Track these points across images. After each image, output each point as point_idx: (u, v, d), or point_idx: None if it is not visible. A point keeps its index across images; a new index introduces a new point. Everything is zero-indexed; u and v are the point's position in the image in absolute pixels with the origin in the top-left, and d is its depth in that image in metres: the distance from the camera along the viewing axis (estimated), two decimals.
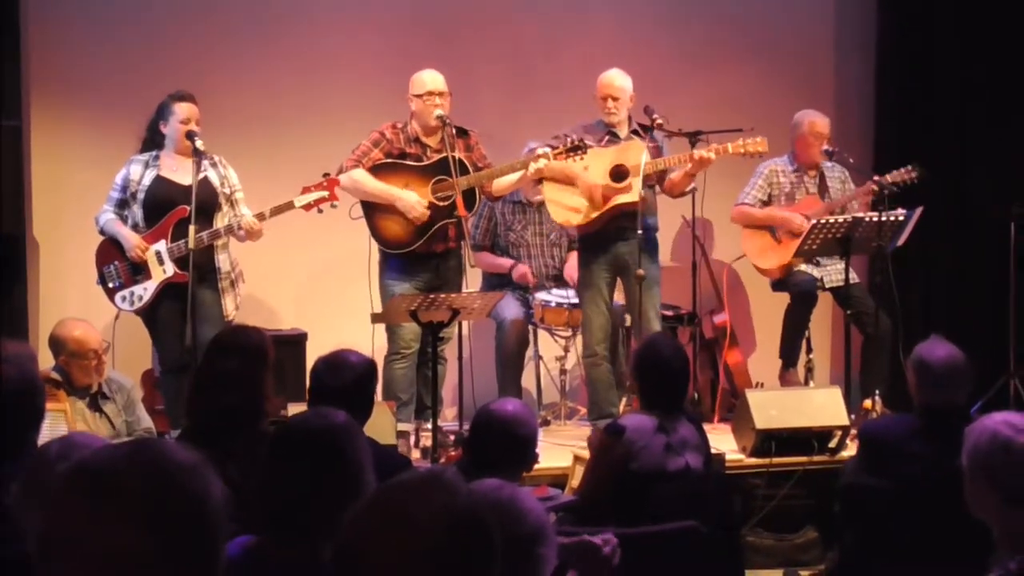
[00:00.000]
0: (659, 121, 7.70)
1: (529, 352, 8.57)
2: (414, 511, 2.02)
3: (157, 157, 7.36)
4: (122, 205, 7.41)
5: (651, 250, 7.86)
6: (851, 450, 6.90)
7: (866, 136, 9.63)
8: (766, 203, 8.57)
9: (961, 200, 9.36)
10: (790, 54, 9.68)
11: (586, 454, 6.26)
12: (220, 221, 7.35)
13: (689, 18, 9.56)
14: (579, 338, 8.42)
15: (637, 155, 7.55)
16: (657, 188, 7.97)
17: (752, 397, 7.36)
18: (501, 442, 4.70)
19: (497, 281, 8.60)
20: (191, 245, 7.10)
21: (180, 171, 7.26)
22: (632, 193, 7.51)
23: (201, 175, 7.30)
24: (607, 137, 7.87)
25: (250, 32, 8.94)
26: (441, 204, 7.49)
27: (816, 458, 7.19)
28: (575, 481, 6.33)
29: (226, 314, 7.37)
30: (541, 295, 8.42)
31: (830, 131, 8.61)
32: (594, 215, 7.74)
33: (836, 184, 8.63)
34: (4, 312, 8.00)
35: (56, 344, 6.74)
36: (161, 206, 7.24)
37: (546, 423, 8.42)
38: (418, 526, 2.00)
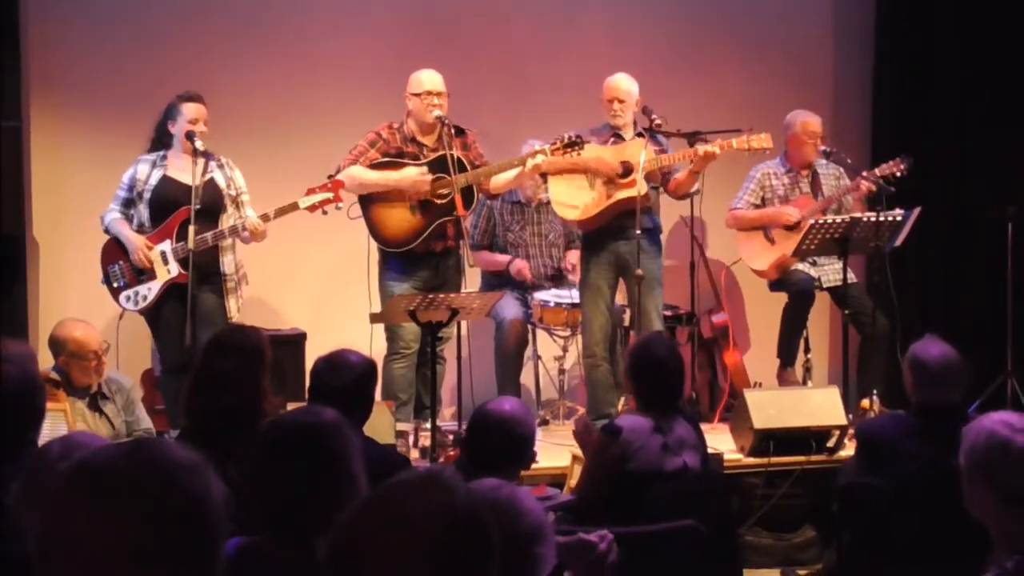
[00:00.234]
0: (657, 122, 7.71)
1: (528, 352, 8.58)
2: (413, 511, 2.02)
3: (165, 157, 7.36)
4: (128, 204, 7.41)
5: (655, 250, 7.88)
6: (849, 450, 6.92)
7: (864, 136, 9.64)
8: (759, 207, 8.59)
9: (959, 200, 9.37)
10: (788, 55, 9.69)
11: (583, 454, 6.26)
12: (226, 223, 7.36)
13: (687, 19, 9.58)
14: (578, 338, 8.44)
15: (638, 151, 7.57)
16: (661, 188, 7.99)
17: (750, 397, 7.37)
18: (498, 441, 4.70)
19: (496, 281, 8.61)
20: (190, 245, 7.11)
21: (187, 171, 7.25)
22: (635, 188, 7.51)
23: (207, 176, 7.31)
24: (612, 139, 7.89)
25: (250, 32, 8.94)
26: (439, 203, 7.50)
27: (814, 458, 7.21)
28: (573, 480, 6.34)
29: (229, 316, 7.38)
30: (540, 295, 8.43)
31: (826, 131, 8.63)
32: (599, 210, 7.75)
33: (831, 181, 8.64)
34: (4, 312, 8.01)
35: (56, 344, 6.74)
36: (167, 206, 7.24)
37: (545, 423, 8.43)
38: (417, 526, 2.00)
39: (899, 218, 7.85)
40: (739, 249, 8.69)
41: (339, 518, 2.08)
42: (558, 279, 8.75)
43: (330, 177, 7.39)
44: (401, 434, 7.38)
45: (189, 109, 7.30)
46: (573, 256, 8.67)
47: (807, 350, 8.76)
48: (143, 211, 7.36)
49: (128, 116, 8.51)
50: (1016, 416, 3.51)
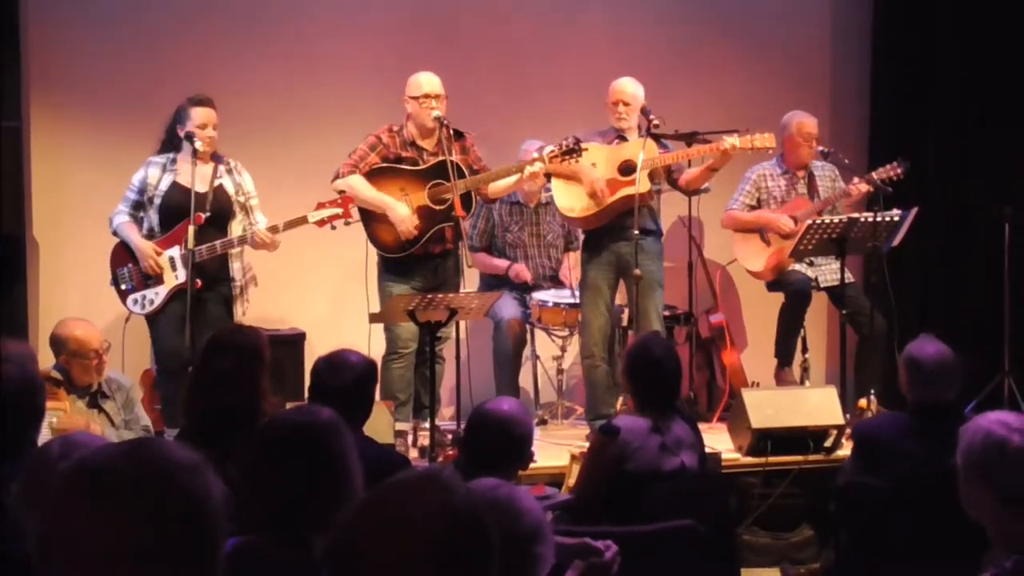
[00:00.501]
0: (656, 122, 7.72)
1: (526, 352, 8.59)
2: (413, 510, 2.03)
3: (174, 161, 7.34)
4: (137, 207, 7.39)
5: (655, 251, 7.89)
6: (846, 449, 6.92)
7: (861, 137, 9.65)
8: (755, 208, 8.60)
9: (956, 201, 9.39)
10: (786, 55, 9.70)
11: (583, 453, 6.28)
12: (235, 228, 7.37)
13: (685, 20, 9.59)
14: (576, 338, 8.45)
15: (649, 151, 7.57)
16: (665, 186, 7.99)
17: (748, 396, 7.38)
18: (497, 441, 4.71)
19: (495, 282, 8.62)
20: (190, 245, 7.12)
21: (196, 177, 7.26)
22: (639, 186, 7.51)
23: (216, 183, 7.32)
24: (616, 141, 7.90)
25: (250, 32, 8.94)
26: (438, 207, 7.51)
27: (812, 457, 7.22)
28: (572, 480, 6.34)
29: (236, 319, 7.40)
30: (538, 295, 8.44)
31: (824, 132, 8.65)
32: (601, 207, 7.76)
33: (826, 183, 8.66)
34: (4, 312, 8.02)
35: (57, 343, 6.75)
36: (176, 212, 7.21)
37: (543, 422, 8.43)
38: (417, 525, 2.01)
39: (896, 218, 7.87)
40: (735, 250, 8.70)
41: (338, 518, 2.08)
42: (557, 280, 8.77)
43: (342, 193, 7.37)
44: (400, 433, 7.39)
45: (198, 113, 7.28)
46: (569, 261, 8.69)
47: (805, 350, 8.78)
48: (153, 216, 7.35)
49: (128, 116, 8.54)
50: (1013, 416, 3.51)
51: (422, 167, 7.56)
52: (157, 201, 7.33)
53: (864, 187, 8.27)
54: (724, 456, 7.15)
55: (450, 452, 6.95)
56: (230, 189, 7.39)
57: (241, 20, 8.95)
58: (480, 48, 9.27)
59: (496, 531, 2.09)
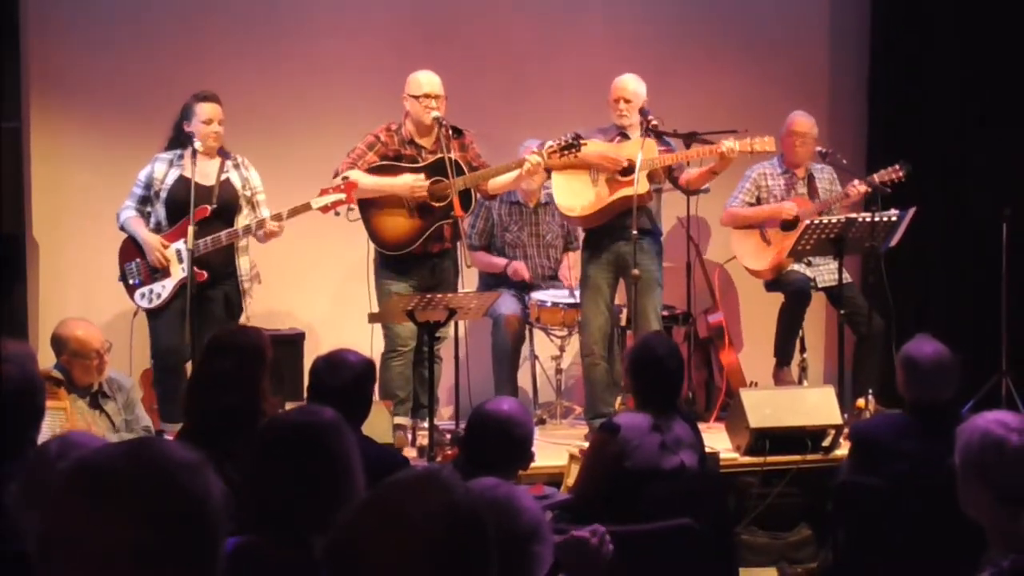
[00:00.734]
0: (654, 122, 7.73)
1: (525, 351, 8.60)
2: (412, 510, 2.03)
3: (181, 156, 7.36)
4: (144, 202, 7.42)
5: (655, 251, 7.90)
6: (844, 449, 6.93)
7: (859, 137, 9.65)
8: (753, 207, 8.61)
9: (954, 201, 9.39)
10: (785, 56, 9.70)
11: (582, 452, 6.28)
12: (240, 223, 7.39)
13: (683, 20, 9.59)
14: (575, 337, 8.46)
15: (646, 152, 7.57)
16: (666, 185, 8.00)
17: (746, 396, 7.39)
18: (497, 441, 4.72)
19: (493, 281, 8.63)
20: (189, 243, 7.14)
21: (203, 172, 7.28)
22: (638, 186, 7.52)
23: (223, 177, 7.35)
24: (617, 139, 7.91)
25: (250, 32, 8.95)
26: (437, 205, 7.52)
27: (810, 457, 7.23)
28: (571, 479, 6.35)
29: (247, 316, 7.42)
30: (537, 295, 8.45)
31: (822, 132, 8.67)
32: (600, 207, 7.77)
33: (825, 185, 8.67)
34: (4, 312, 8.02)
35: (58, 343, 6.76)
36: (183, 206, 7.22)
37: (542, 422, 8.43)
38: (416, 525, 2.01)
39: (894, 218, 7.88)
40: (733, 247, 8.71)
41: (338, 518, 2.08)
42: (556, 280, 8.78)
43: (345, 178, 7.39)
44: (399, 427, 7.40)
45: (203, 109, 7.32)
46: (568, 262, 8.71)
47: (803, 350, 8.79)
48: (160, 210, 7.38)
49: (128, 116, 8.54)
50: (1011, 415, 3.52)
51: (421, 164, 7.57)
52: (163, 195, 7.35)
53: (863, 188, 8.28)
54: (722, 456, 7.14)
55: (449, 451, 6.96)
56: (237, 184, 7.42)
57: (241, 20, 8.95)
58: (480, 48, 9.28)
59: (495, 530, 2.09)
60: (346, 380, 4.98)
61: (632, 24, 9.47)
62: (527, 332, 8.58)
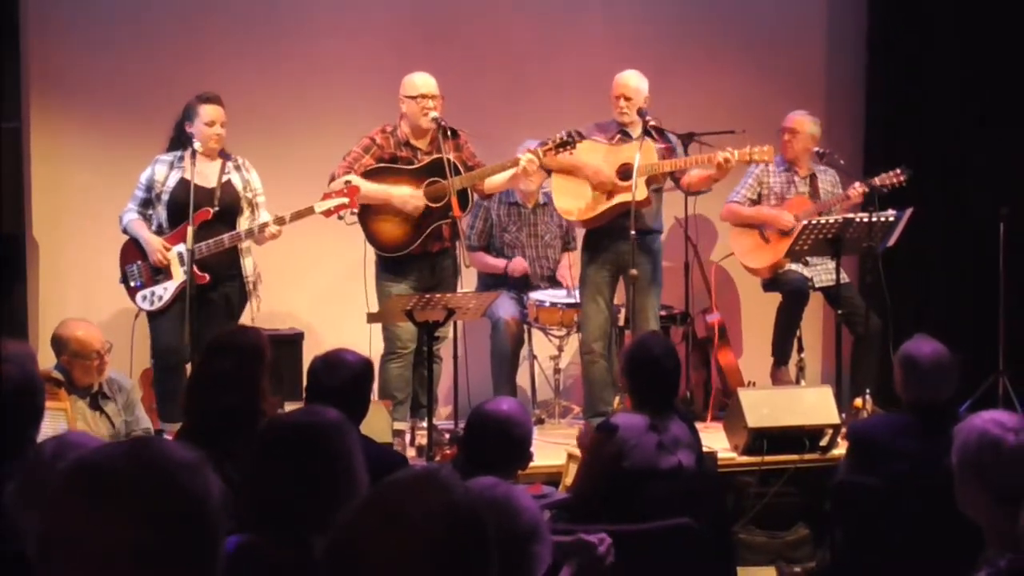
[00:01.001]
0: (652, 123, 7.75)
1: (524, 351, 8.61)
2: (412, 510, 2.02)
3: (182, 158, 7.36)
4: (146, 204, 7.42)
5: (655, 251, 7.92)
6: (842, 449, 6.93)
7: (857, 137, 9.66)
8: (755, 202, 8.63)
9: (951, 201, 9.40)
10: (782, 56, 9.71)
11: (579, 453, 6.28)
12: (242, 225, 7.40)
13: (681, 20, 9.60)
14: (573, 337, 8.49)
15: (645, 156, 7.59)
16: (668, 184, 8.01)
17: (744, 396, 7.40)
18: (496, 441, 4.73)
19: (492, 281, 8.64)
20: (188, 244, 7.15)
21: (203, 174, 7.29)
22: (637, 192, 7.54)
23: (225, 178, 7.36)
24: (618, 136, 7.92)
25: (250, 32, 8.95)
26: (435, 205, 7.53)
27: (807, 456, 7.23)
28: (569, 479, 6.36)
29: (253, 316, 7.43)
30: (535, 295, 8.47)
31: (815, 130, 8.65)
32: (598, 211, 7.80)
33: (827, 187, 8.68)
34: (4, 312, 8.03)
35: (59, 343, 6.76)
36: (184, 208, 7.21)
37: (540, 421, 8.43)
38: (416, 525, 2.01)
39: (891, 219, 7.90)
40: (732, 244, 8.72)
41: (338, 518, 2.08)
42: (554, 280, 8.80)
43: (348, 182, 7.40)
44: (398, 433, 7.41)
45: (206, 111, 7.32)
46: (567, 261, 8.73)
47: (800, 350, 8.80)
48: (161, 213, 7.38)
49: (128, 117, 8.55)
50: (1008, 415, 3.53)
51: (417, 166, 7.58)
52: (165, 198, 7.36)
53: (862, 189, 8.29)
54: (720, 455, 7.15)
55: (448, 451, 6.97)
56: (238, 185, 7.44)
57: (241, 20, 8.96)
58: (480, 48, 9.28)
59: (494, 530, 2.09)
60: (344, 380, 4.98)
61: (632, 24, 9.47)
62: (526, 333, 8.59)
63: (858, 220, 7.79)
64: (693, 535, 4.85)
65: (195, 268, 7.21)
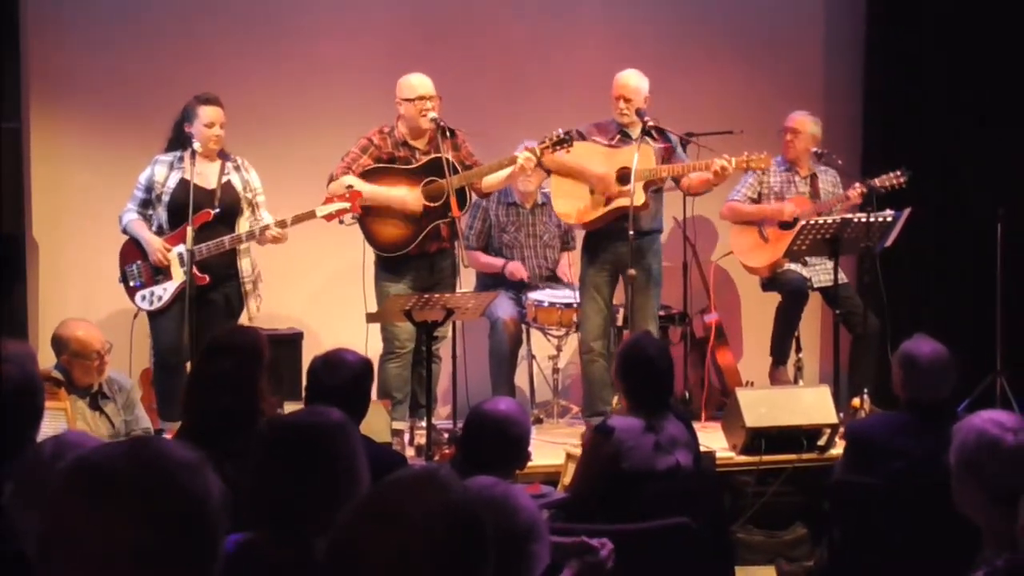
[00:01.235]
0: (650, 123, 7.77)
1: (522, 351, 8.62)
2: (412, 510, 2.03)
3: (182, 159, 7.37)
4: (145, 205, 7.43)
5: (655, 251, 7.93)
6: (839, 448, 6.94)
7: (854, 137, 9.67)
8: (756, 202, 8.64)
9: (949, 201, 9.41)
10: (779, 56, 9.71)
11: (579, 452, 6.29)
12: (242, 225, 7.41)
13: (680, 20, 9.60)
14: (572, 337, 8.50)
15: (642, 160, 7.60)
16: (669, 184, 8.02)
17: (742, 396, 7.41)
18: (494, 441, 4.73)
19: (491, 281, 8.65)
20: (188, 245, 7.16)
21: (203, 174, 7.30)
22: (635, 197, 7.57)
23: (225, 178, 7.37)
24: (618, 136, 7.93)
25: (250, 32, 8.96)
26: (433, 205, 7.54)
27: (805, 456, 7.25)
28: (567, 479, 6.36)
29: (251, 316, 7.45)
30: (534, 295, 8.47)
31: (816, 129, 8.66)
32: (596, 214, 7.81)
33: (828, 187, 8.70)
34: (4, 312, 8.03)
35: (59, 343, 6.77)
36: (185, 209, 7.22)
37: (539, 421, 8.43)
38: (416, 525, 2.02)
39: (889, 219, 7.91)
40: (732, 243, 8.73)
41: (338, 518, 2.09)
42: (553, 279, 8.81)
43: (349, 187, 7.40)
44: (396, 432, 7.42)
45: (205, 112, 7.33)
46: (567, 260, 8.75)
47: (798, 349, 8.82)
48: (162, 213, 7.39)
49: (128, 117, 8.55)
50: (1006, 415, 3.53)
51: (415, 166, 7.59)
52: (165, 198, 7.37)
53: (861, 189, 8.30)
54: (718, 455, 7.17)
55: (446, 451, 6.98)
56: (238, 186, 7.45)
57: (241, 20, 8.96)
58: (479, 48, 9.29)
59: (493, 529, 2.10)
60: (344, 379, 4.98)
61: (630, 24, 9.48)
62: (524, 333, 8.60)
63: (856, 220, 7.80)
64: (691, 535, 4.85)
65: (195, 269, 7.21)
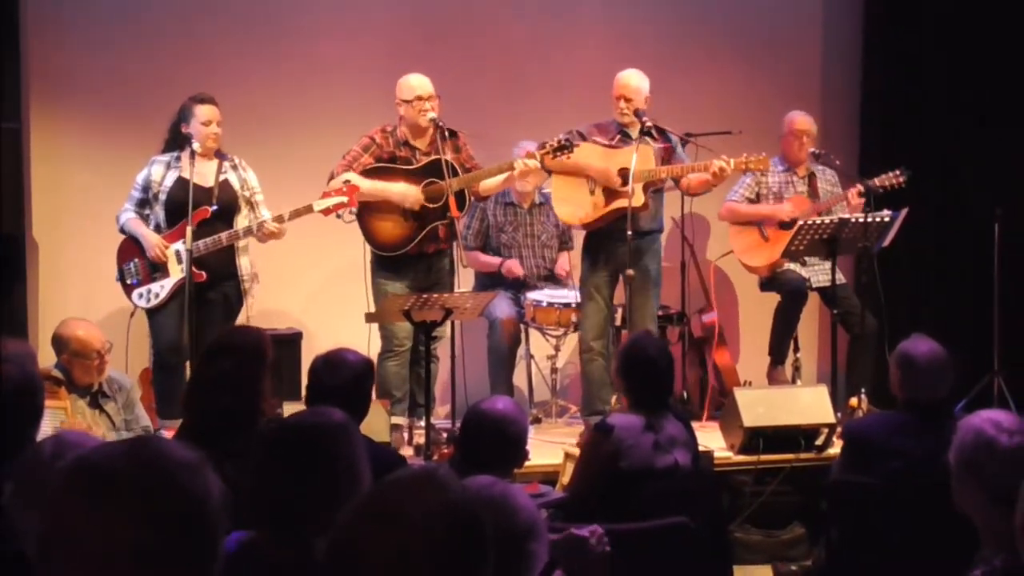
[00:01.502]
0: (649, 123, 7.78)
1: (520, 351, 8.63)
2: (411, 510, 2.03)
3: (179, 159, 7.39)
4: (142, 205, 7.45)
5: (655, 251, 7.95)
6: (837, 448, 6.95)
7: (852, 137, 9.67)
8: (753, 202, 8.65)
9: (947, 201, 9.42)
10: (777, 56, 9.72)
11: (577, 452, 6.30)
12: (240, 223, 7.42)
13: (679, 20, 9.61)
14: (570, 337, 8.52)
15: (641, 161, 7.61)
16: (670, 184, 8.03)
17: (740, 395, 7.42)
18: (492, 440, 4.74)
19: (489, 281, 8.66)
20: (187, 244, 7.17)
21: (201, 173, 7.31)
22: (634, 198, 7.59)
23: (221, 178, 7.38)
24: (618, 137, 7.94)
25: (250, 32, 8.97)
26: (432, 206, 7.55)
27: (803, 455, 7.26)
28: (566, 478, 6.37)
29: (248, 315, 7.45)
30: (532, 295, 8.49)
31: (815, 130, 8.68)
32: (596, 216, 7.83)
33: (826, 187, 8.70)
34: (4, 312, 8.04)
35: (59, 343, 6.77)
36: (182, 208, 7.23)
37: (537, 421, 8.44)
38: (416, 525, 2.01)
39: (887, 219, 7.91)
40: (731, 242, 8.73)
41: (337, 518, 2.09)
42: (552, 279, 8.82)
43: (347, 181, 7.42)
44: (395, 427, 7.44)
45: (202, 111, 7.34)
46: (565, 260, 8.77)
47: (796, 349, 8.82)
48: (159, 212, 7.41)
49: (128, 117, 8.56)
50: (1005, 415, 3.53)
51: (415, 166, 7.60)
52: (163, 197, 7.38)
53: (859, 188, 8.31)
54: (716, 454, 7.18)
55: (445, 450, 6.99)
56: (235, 184, 7.46)
57: (241, 20, 8.97)
58: (479, 48, 9.30)
59: (492, 529, 2.10)
60: (345, 379, 4.99)
61: (629, 24, 9.49)
62: (523, 332, 8.61)
63: (854, 220, 7.80)
64: (689, 534, 4.86)
65: (194, 266, 7.22)
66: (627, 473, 5.29)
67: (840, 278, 8.21)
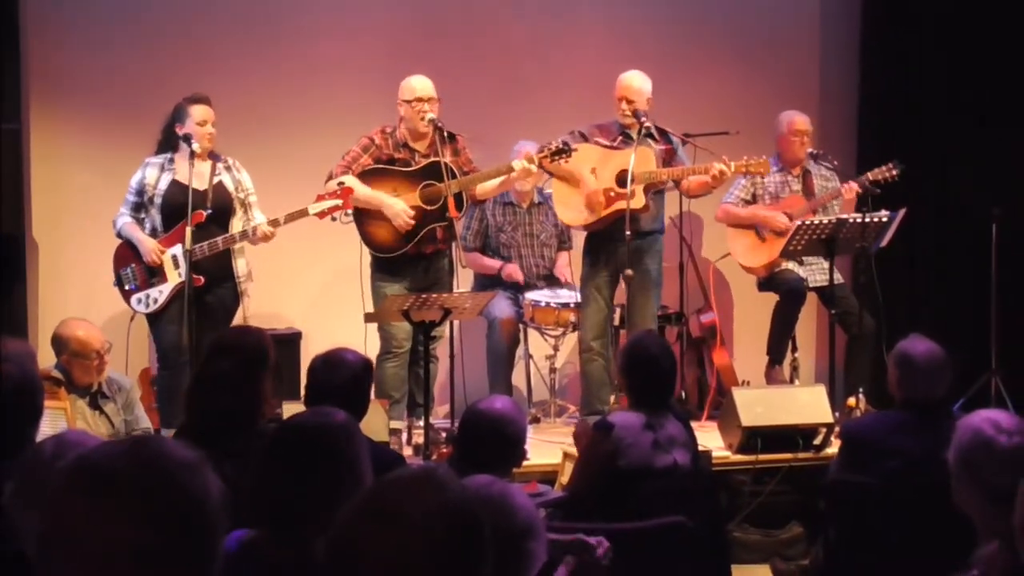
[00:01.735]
0: (647, 124, 7.79)
1: (519, 351, 8.64)
2: (411, 510, 2.04)
3: (172, 160, 7.39)
4: (137, 208, 7.43)
5: (655, 251, 7.96)
6: (835, 447, 6.95)
7: (850, 138, 9.68)
8: (750, 203, 8.66)
9: (944, 202, 9.43)
10: (775, 56, 9.72)
11: (575, 451, 6.31)
12: (235, 225, 7.42)
13: (678, 21, 9.62)
14: (569, 337, 8.52)
15: (641, 163, 7.63)
16: (670, 184, 8.05)
17: (738, 395, 7.43)
18: (490, 440, 4.73)
19: (488, 282, 8.67)
20: (187, 245, 7.17)
21: (196, 175, 7.31)
22: (635, 199, 7.61)
23: (216, 179, 7.37)
24: (620, 138, 7.95)
25: (250, 33, 8.97)
26: (430, 208, 7.56)
27: (801, 455, 7.27)
28: (564, 477, 6.37)
29: (246, 316, 7.45)
30: (531, 295, 8.50)
31: (812, 130, 8.69)
32: (595, 218, 7.86)
33: (821, 183, 8.71)
34: (4, 312, 8.05)
35: (59, 343, 6.78)
36: (178, 210, 7.24)
37: (536, 421, 8.45)
38: (416, 525, 2.02)
39: (884, 219, 7.92)
40: (729, 244, 8.74)
41: (337, 518, 2.10)
42: (550, 279, 8.83)
43: (341, 184, 7.43)
44: (394, 431, 7.44)
45: (197, 111, 7.34)
46: (564, 259, 8.78)
47: (794, 349, 8.83)
48: (155, 216, 7.40)
49: (127, 117, 8.56)
50: (1004, 415, 3.54)
51: (414, 168, 7.61)
52: (158, 201, 7.37)
53: (855, 185, 8.32)
54: (715, 454, 7.18)
55: (444, 450, 7.00)
56: (230, 186, 7.45)
57: (241, 20, 8.98)
58: (479, 48, 9.31)
59: (491, 528, 2.11)
60: (344, 379, 4.99)
61: (629, 25, 9.49)
62: (521, 332, 8.62)
63: (851, 220, 7.81)
64: (688, 533, 4.86)
65: (192, 270, 7.22)
66: (626, 472, 5.29)
67: (838, 278, 8.22)
